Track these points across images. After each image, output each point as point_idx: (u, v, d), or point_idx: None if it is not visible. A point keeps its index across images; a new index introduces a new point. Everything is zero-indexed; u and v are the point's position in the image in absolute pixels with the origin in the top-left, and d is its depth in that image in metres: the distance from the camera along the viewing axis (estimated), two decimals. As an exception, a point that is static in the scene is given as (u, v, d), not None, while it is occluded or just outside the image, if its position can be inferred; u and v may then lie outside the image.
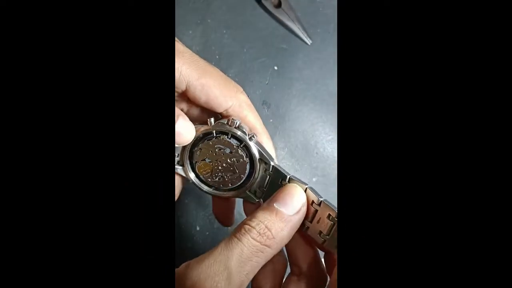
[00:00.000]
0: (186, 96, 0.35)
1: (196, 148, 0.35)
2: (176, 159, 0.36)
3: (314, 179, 0.54)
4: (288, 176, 0.32)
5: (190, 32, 0.55)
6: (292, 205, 0.30)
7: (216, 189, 0.37)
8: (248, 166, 0.34)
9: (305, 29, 0.55)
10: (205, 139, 0.34)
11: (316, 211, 0.31)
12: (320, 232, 0.31)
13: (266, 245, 0.28)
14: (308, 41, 0.55)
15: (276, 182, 0.33)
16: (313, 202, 0.31)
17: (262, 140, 0.36)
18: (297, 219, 0.30)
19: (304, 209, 0.30)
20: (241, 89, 0.35)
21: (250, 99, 0.37)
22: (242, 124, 0.34)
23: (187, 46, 0.35)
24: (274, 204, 0.29)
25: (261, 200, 0.35)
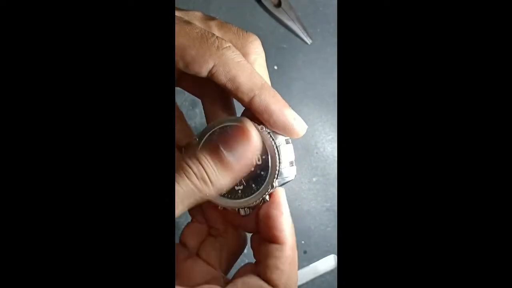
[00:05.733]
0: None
1: None
2: None
3: (314, 179, 0.54)
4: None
5: (190, 31, 0.55)
6: (242, 154, 0.27)
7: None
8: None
9: (305, 29, 0.55)
10: None
11: None
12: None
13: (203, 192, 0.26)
14: (308, 41, 0.55)
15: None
16: None
17: (267, 99, 0.28)
18: (243, 170, 0.27)
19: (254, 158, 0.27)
20: (227, 43, 0.28)
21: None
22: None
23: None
24: (221, 147, 0.26)
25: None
